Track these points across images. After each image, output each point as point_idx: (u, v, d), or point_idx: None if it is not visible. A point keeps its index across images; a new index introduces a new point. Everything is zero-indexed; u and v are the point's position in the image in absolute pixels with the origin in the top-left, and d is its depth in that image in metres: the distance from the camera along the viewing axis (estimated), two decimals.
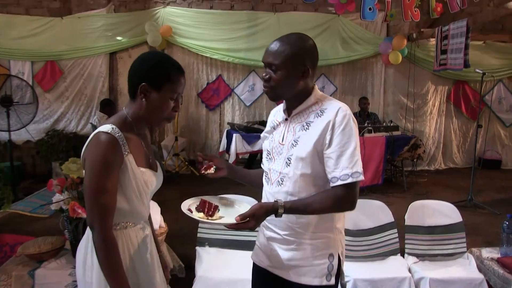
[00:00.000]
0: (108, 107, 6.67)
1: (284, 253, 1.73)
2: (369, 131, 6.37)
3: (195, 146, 7.98)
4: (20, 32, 7.37)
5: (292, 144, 1.68)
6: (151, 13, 7.60)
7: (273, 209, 1.57)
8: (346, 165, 1.56)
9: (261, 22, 7.76)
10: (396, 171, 7.39)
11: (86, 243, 1.61)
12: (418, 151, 6.65)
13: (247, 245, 3.09)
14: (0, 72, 7.31)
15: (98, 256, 1.49)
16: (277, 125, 1.80)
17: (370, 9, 6.06)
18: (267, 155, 1.80)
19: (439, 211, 3.31)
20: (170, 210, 3.03)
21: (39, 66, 7.45)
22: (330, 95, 7.83)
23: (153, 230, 1.86)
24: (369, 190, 6.16)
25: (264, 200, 1.82)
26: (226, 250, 3.15)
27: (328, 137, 1.60)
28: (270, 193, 1.76)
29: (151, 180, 1.67)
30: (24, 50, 7.36)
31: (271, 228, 1.76)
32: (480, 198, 5.95)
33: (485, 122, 7.52)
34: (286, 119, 1.76)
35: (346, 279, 2.93)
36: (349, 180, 1.56)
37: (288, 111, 1.76)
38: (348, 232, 3.16)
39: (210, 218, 1.62)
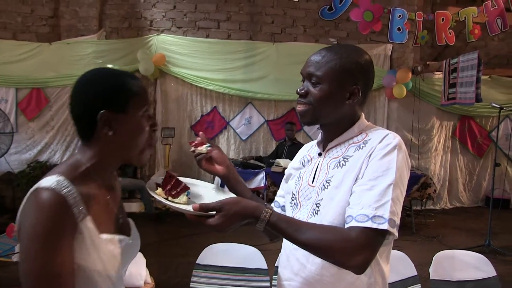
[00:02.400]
0: None
1: None
2: None
3: None
4: (5, 57, 7.02)
5: (323, 185, 1.27)
6: (144, 41, 7.30)
7: (253, 213, 1.14)
8: (369, 203, 1.13)
9: (260, 52, 7.46)
10: (403, 211, 6.94)
11: None
12: (429, 190, 6.26)
13: None
14: None
15: None
16: (309, 161, 1.41)
17: (399, 29, 5.62)
18: (292, 200, 1.38)
19: (468, 263, 2.83)
20: (159, 254, 2.61)
21: (24, 93, 7.05)
22: None
23: None
24: None
25: (282, 257, 1.40)
26: None
27: (363, 169, 1.20)
28: (290, 249, 1.34)
29: (122, 249, 1.20)
30: (9, 77, 6.98)
31: None
32: (497, 243, 5.48)
33: (492, 160, 7.24)
34: (320, 154, 1.37)
35: None
36: (367, 224, 1.10)
37: (324, 144, 1.37)
38: None
39: (170, 198, 1.21)
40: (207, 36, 7.54)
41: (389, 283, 2.67)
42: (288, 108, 7.53)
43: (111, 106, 1.12)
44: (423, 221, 6.82)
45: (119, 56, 7.24)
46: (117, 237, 1.17)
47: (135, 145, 1.17)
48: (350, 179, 1.21)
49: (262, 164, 6.45)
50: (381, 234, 1.13)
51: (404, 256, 2.83)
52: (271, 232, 1.17)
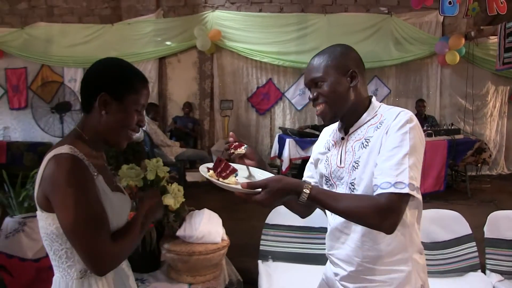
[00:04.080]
0: (151, 111, 6.55)
1: None
2: (429, 135, 6.07)
3: None
4: (73, 39, 7.54)
5: (353, 166, 1.43)
6: (199, 18, 7.58)
7: (296, 189, 1.29)
8: (390, 172, 1.28)
9: (311, 24, 7.61)
10: (458, 176, 7.01)
11: None
12: (483, 155, 6.26)
13: (317, 259, 2.80)
14: (54, 79, 7.54)
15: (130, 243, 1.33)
16: (333, 145, 1.55)
17: (450, 3, 5.74)
18: (326, 181, 1.54)
19: None
20: (224, 218, 2.86)
21: None
22: (384, 98, 7.81)
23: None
24: (431, 197, 5.84)
25: (329, 233, 1.59)
26: (292, 265, 2.87)
27: (383, 144, 1.35)
28: (335, 226, 1.53)
29: (126, 204, 1.46)
30: (76, 57, 7.49)
31: (337, 264, 1.54)
32: None
33: None
34: (342, 138, 1.51)
35: None
36: (390, 190, 1.26)
37: (345, 129, 1.51)
38: None
39: (221, 179, 1.34)
40: (260, 10, 7.71)
41: (444, 241, 2.94)
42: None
43: (111, 91, 1.31)
44: (478, 186, 6.82)
45: (177, 33, 7.58)
46: (119, 193, 1.42)
47: (117, 131, 1.35)
48: (375, 157, 1.36)
49: (318, 133, 6.61)
50: (404, 198, 1.28)
51: (459, 216, 2.98)
52: (307, 207, 1.38)
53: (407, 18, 7.65)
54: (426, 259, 2.75)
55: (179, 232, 2.64)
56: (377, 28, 7.65)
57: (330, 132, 1.62)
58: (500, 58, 6.73)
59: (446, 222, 2.97)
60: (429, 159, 5.86)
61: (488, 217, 2.95)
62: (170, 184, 2.67)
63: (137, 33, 7.53)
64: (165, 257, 2.66)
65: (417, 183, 1.29)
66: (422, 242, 2.79)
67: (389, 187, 1.27)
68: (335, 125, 1.58)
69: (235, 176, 1.36)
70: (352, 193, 1.42)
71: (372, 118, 1.44)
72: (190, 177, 6.99)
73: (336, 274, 1.56)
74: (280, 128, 7.33)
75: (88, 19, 7.71)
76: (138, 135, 7.01)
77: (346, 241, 1.48)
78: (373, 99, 1.50)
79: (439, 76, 7.87)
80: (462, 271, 2.87)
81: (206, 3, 7.71)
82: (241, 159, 1.53)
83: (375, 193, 1.30)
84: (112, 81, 1.32)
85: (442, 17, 7.66)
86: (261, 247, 2.96)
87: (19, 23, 7.79)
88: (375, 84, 7.83)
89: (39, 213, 1.29)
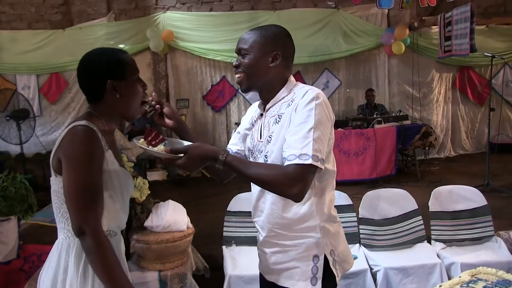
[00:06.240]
0: None
1: (269, 256, 1.64)
2: (379, 122, 6.39)
3: None
4: (23, 46, 7.44)
5: (268, 140, 1.56)
6: (151, 19, 7.65)
7: (213, 156, 1.44)
8: (295, 145, 1.41)
9: (262, 21, 7.69)
10: (408, 160, 7.37)
11: (57, 266, 1.43)
12: (430, 139, 6.68)
13: None
14: (7, 87, 7.44)
15: (96, 264, 1.34)
16: (255, 121, 1.69)
17: None
18: (251, 155, 1.68)
19: (462, 196, 3.27)
20: (188, 212, 3.05)
21: (44, 78, 7.51)
22: (335, 90, 8.07)
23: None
24: (383, 181, 6.16)
25: (252, 201, 1.71)
26: (254, 248, 3.06)
27: (291, 120, 1.48)
28: (255, 196, 1.67)
29: (130, 181, 1.60)
30: (29, 64, 7.42)
31: (258, 230, 1.69)
32: (497, 183, 5.82)
33: (493, 107, 7.46)
34: (261, 115, 1.65)
35: (376, 268, 2.93)
36: (295, 161, 1.39)
37: (264, 105, 1.65)
38: (373, 222, 3.18)
39: (150, 146, 1.48)
40: (211, 10, 7.84)
41: (394, 217, 3.24)
42: (292, 72, 7.83)
43: (114, 76, 1.47)
44: (427, 169, 7.19)
45: (129, 35, 7.61)
46: (125, 170, 1.57)
47: (134, 104, 1.54)
48: (284, 132, 1.49)
49: None
50: (310, 168, 1.40)
51: (406, 193, 3.30)
52: (224, 172, 1.54)
53: (354, 11, 7.89)
54: (379, 234, 3.15)
55: (147, 223, 2.82)
56: (325, 22, 7.87)
57: (255, 108, 1.74)
58: (442, 47, 7.07)
59: (395, 200, 3.28)
60: (380, 145, 6.17)
61: (432, 192, 3.25)
62: (135, 179, 2.83)
63: (90, 37, 7.50)
64: (135, 248, 2.83)
65: (321, 155, 1.42)
66: (373, 220, 3.15)
67: (294, 158, 1.39)
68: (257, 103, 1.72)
69: (164, 145, 1.50)
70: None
71: (287, 95, 1.57)
72: (150, 176, 7.10)
73: (258, 241, 1.72)
74: (236, 124, 7.49)
75: (38, 25, 7.63)
76: None
77: (262, 209, 1.63)
78: (291, 78, 1.62)
79: (387, 66, 8.17)
80: (411, 243, 3.18)
81: (157, 5, 7.78)
82: (161, 117, 1.68)
83: (284, 164, 1.43)
84: (111, 68, 1.48)
85: (387, 9, 7.97)
86: (224, 234, 3.16)
87: None
88: (326, 76, 8.07)
89: (53, 178, 1.47)
